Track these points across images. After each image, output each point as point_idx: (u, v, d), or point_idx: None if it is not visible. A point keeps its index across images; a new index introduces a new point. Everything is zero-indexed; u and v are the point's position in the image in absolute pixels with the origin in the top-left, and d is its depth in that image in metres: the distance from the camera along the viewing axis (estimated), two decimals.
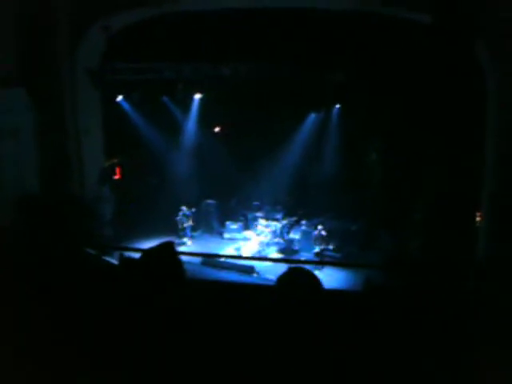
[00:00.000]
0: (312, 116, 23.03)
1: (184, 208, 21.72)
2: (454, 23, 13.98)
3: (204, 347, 3.55)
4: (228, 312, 4.12)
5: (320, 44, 17.86)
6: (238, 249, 20.83)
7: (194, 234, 22.52)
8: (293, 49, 18.13)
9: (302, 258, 20.05)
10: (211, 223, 23.58)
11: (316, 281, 3.64)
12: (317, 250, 19.61)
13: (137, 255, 4.51)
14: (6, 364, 3.51)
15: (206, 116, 23.19)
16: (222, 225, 23.24)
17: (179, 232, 21.61)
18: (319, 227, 19.86)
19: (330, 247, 20.00)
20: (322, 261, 19.23)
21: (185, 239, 21.49)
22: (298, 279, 3.64)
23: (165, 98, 22.14)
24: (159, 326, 3.55)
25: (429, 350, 3.84)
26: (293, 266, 3.90)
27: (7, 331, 3.78)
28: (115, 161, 20.98)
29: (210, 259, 18.94)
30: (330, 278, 17.11)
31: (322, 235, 19.65)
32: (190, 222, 21.73)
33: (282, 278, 3.65)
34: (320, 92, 19.72)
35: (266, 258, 19.62)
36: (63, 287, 4.35)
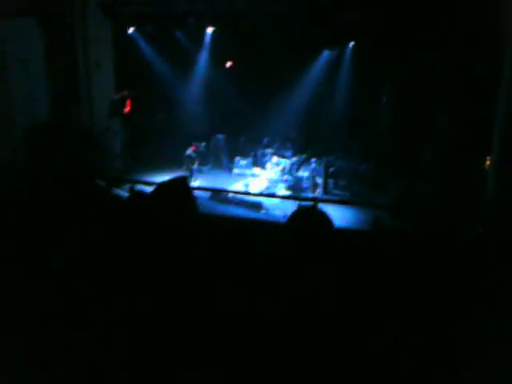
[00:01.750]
0: (325, 54, 22.74)
1: (189, 151, 21.41)
2: None
3: (215, 284, 3.58)
4: (240, 246, 4.14)
5: None
6: (246, 185, 20.83)
7: (203, 167, 22.48)
8: None
9: (311, 196, 20.14)
10: (220, 158, 23.55)
11: (327, 219, 3.64)
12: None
13: (147, 188, 4.52)
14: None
15: (219, 51, 22.94)
16: (232, 160, 23.22)
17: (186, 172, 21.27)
18: (316, 179, 19.94)
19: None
20: (330, 199, 19.33)
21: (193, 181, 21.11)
22: (309, 217, 3.64)
23: (177, 32, 21.86)
24: (171, 259, 3.57)
25: (434, 292, 3.88)
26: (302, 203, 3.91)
27: (17, 261, 3.83)
28: (126, 93, 20.86)
29: (219, 194, 18.97)
30: (338, 216, 17.22)
31: (316, 182, 19.76)
32: (196, 164, 21.48)
33: (294, 216, 3.65)
34: (334, 29, 19.41)
35: (274, 196, 19.65)
36: (73, 219, 4.38)
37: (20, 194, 5.16)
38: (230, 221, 7.13)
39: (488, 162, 16.80)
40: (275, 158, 21.95)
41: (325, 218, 3.63)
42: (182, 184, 3.84)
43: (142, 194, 4.39)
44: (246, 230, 5.33)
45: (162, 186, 3.81)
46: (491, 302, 3.76)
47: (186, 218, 3.69)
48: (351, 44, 21.65)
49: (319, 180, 19.99)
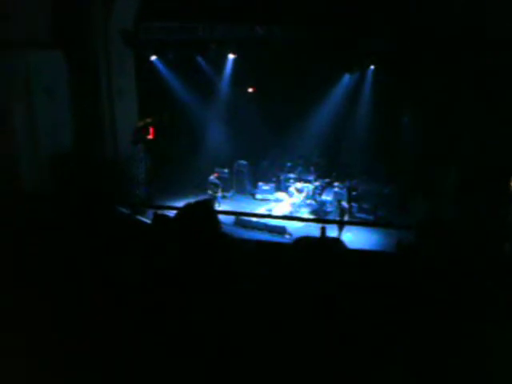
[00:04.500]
0: (346, 77, 22.84)
1: (212, 178, 21.61)
2: None
3: (239, 307, 3.56)
4: (263, 268, 4.11)
5: (357, 5, 17.69)
6: (269, 210, 20.83)
7: (226, 193, 22.56)
8: (329, 10, 17.95)
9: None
10: (243, 183, 23.59)
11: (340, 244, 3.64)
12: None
13: (171, 213, 4.53)
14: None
15: (240, 77, 23.10)
16: (254, 186, 23.24)
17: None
18: (343, 203, 19.88)
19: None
20: (352, 221, 19.30)
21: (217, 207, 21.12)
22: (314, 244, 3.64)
23: (198, 58, 22.07)
24: (195, 284, 3.55)
25: (460, 312, 3.84)
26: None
27: (43, 286, 3.85)
28: (149, 121, 20.99)
29: (243, 220, 18.99)
30: (362, 239, 17.17)
31: (343, 207, 19.72)
32: (220, 192, 21.63)
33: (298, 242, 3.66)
34: (354, 54, 19.52)
35: (297, 218, 19.64)
36: (97, 246, 4.40)
37: (46, 219, 5.20)
38: (253, 244, 7.13)
39: None
40: (298, 183, 21.95)
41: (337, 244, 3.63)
42: (206, 206, 3.82)
43: (165, 218, 4.40)
44: (270, 253, 5.32)
45: (187, 208, 3.79)
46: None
47: (211, 239, 3.67)
48: (372, 67, 21.71)
49: (345, 204, 19.91)
